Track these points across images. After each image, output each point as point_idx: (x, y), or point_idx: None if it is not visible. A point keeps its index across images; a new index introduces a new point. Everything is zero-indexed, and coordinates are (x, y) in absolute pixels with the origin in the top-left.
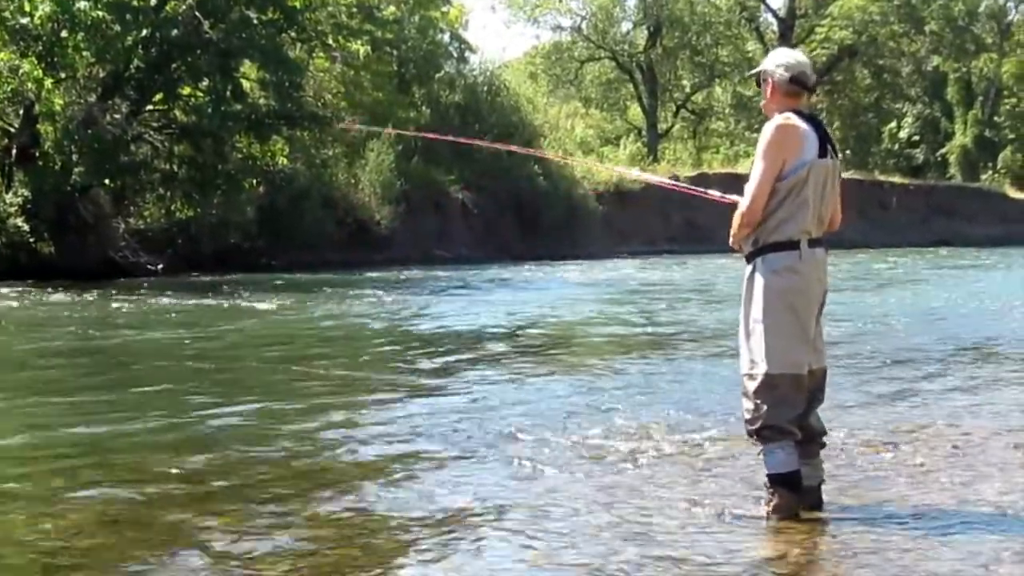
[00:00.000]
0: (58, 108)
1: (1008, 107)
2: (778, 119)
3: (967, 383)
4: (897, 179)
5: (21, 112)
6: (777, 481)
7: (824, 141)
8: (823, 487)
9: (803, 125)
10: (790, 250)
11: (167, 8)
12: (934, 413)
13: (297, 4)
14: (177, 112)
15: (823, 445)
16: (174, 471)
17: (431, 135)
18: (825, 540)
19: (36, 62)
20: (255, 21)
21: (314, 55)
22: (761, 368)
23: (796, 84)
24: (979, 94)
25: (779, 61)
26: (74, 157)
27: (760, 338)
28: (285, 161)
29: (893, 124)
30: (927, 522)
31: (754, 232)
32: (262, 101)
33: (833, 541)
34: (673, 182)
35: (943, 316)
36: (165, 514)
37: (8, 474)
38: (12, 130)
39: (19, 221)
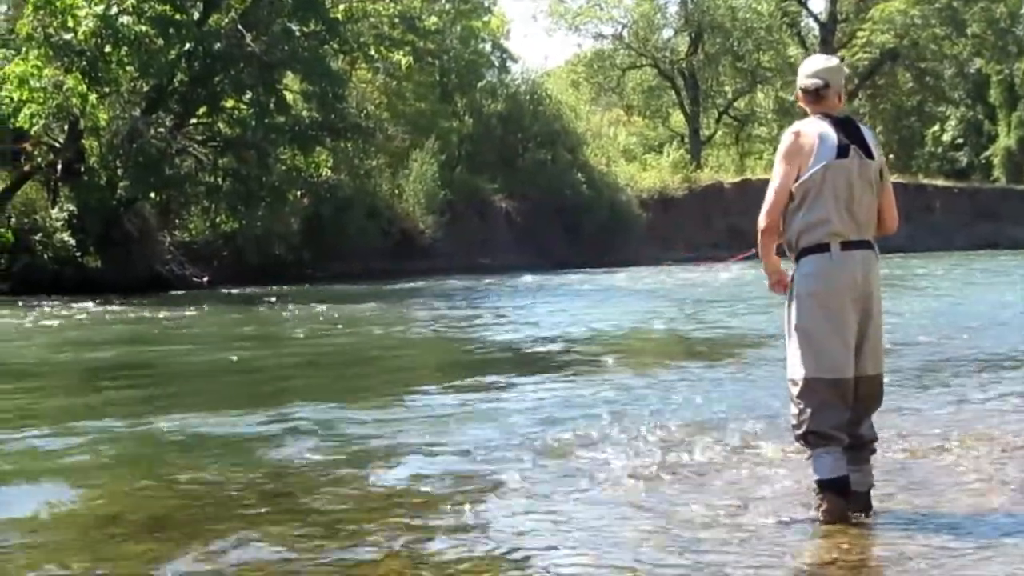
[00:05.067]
0: (102, 123)
1: None
2: (790, 128)
3: (1017, 387)
4: (941, 182)
5: (66, 128)
6: (825, 487)
7: (850, 142)
8: (873, 492)
9: (817, 130)
10: (820, 253)
11: (210, 22)
12: (983, 417)
13: (339, 16)
14: (221, 125)
15: (873, 451)
16: (222, 479)
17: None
18: (874, 546)
19: (80, 77)
20: (297, 33)
21: (356, 66)
22: (800, 372)
23: (803, 92)
24: (1022, 96)
25: (801, 70)
26: (119, 171)
27: (796, 343)
28: (329, 172)
29: (936, 127)
30: (977, 527)
31: (787, 240)
32: (305, 113)
33: (883, 547)
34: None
35: (993, 319)
36: (209, 521)
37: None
38: (57, 145)
39: (65, 236)
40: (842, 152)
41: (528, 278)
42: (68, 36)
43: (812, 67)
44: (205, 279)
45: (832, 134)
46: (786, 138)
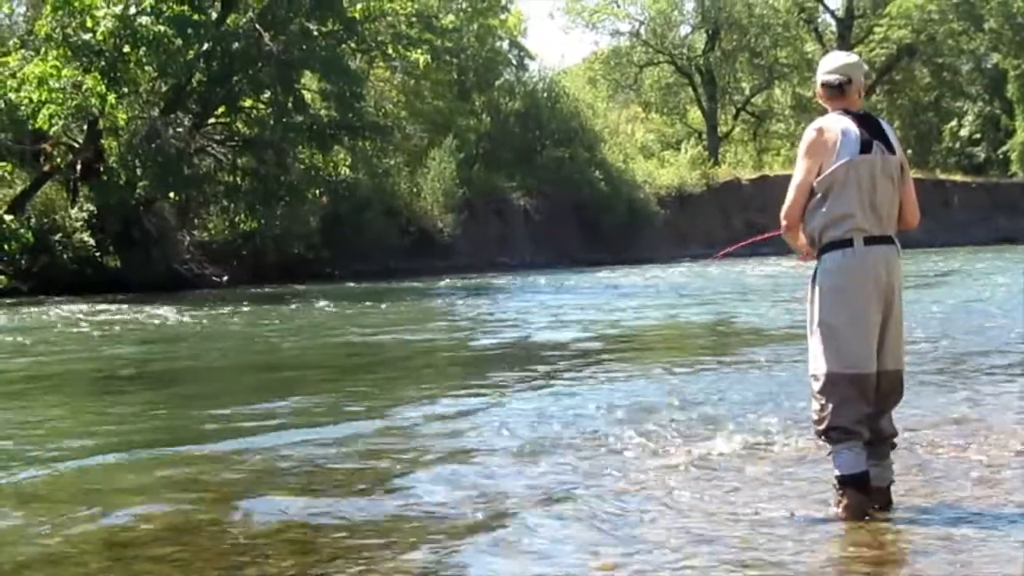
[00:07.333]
0: (121, 123)
1: None
2: (812, 124)
3: None
4: (959, 177)
5: (85, 128)
6: (846, 482)
7: (873, 137)
8: (893, 487)
9: (839, 125)
10: (843, 248)
11: (228, 22)
12: (1003, 412)
13: (357, 15)
14: (239, 124)
15: (894, 446)
16: (244, 470)
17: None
18: (895, 541)
19: (99, 78)
20: (315, 32)
21: (374, 65)
22: (822, 368)
23: (824, 87)
24: None
25: (821, 66)
26: (138, 171)
27: (819, 338)
28: (347, 171)
29: (954, 122)
30: (997, 522)
31: (809, 234)
32: (323, 112)
33: (903, 542)
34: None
35: (1013, 314)
36: (230, 514)
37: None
38: (76, 145)
39: (85, 236)
40: (865, 147)
41: (555, 277)
42: (87, 36)
43: (834, 63)
44: (224, 278)
45: (855, 130)
46: (808, 134)
